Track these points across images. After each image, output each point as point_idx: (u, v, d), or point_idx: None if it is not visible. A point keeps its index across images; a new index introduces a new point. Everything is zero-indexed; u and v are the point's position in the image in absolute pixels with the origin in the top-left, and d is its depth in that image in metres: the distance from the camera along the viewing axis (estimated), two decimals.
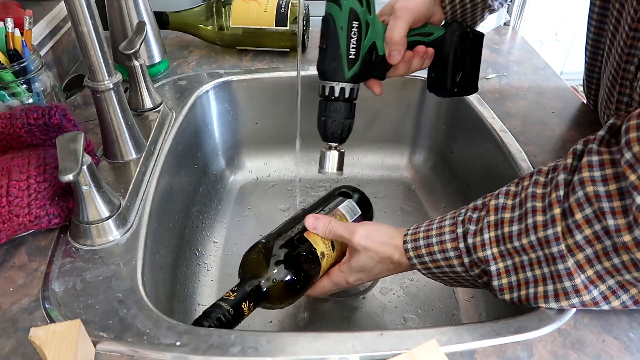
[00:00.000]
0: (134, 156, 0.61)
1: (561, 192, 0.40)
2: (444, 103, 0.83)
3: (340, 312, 0.67)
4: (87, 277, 0.48)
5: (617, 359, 0.41)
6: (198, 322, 0.46)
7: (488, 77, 0.83)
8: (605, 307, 0.41)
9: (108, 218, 0.51)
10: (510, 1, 0.62)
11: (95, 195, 0.50)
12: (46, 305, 0.45)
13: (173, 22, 0.87)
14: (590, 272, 0.40)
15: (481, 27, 0.77)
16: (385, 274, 0.54)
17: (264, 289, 0.51)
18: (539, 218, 0.41)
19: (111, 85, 0.54)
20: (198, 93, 0.78)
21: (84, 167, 0.47)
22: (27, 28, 0.61)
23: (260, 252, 0.54)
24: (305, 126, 0.65)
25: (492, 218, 0.45)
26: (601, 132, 0.40)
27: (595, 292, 0.41)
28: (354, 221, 0.61)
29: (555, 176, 0.42)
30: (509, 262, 0.44)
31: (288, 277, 0.52)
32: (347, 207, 0.61)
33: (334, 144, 0.58)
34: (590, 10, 0.61)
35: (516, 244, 0.42)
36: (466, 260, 0.46)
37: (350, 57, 0.53)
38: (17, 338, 0.42)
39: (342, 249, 0.58)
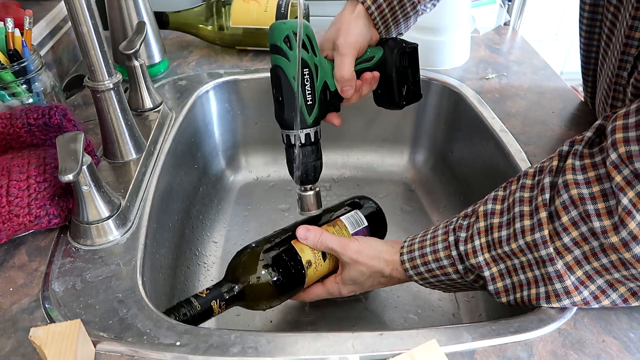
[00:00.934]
0: (134, 156, 0.61)
1: (547, 196, 0.41)
2: (444, 103, 0.83)
3: (340, 312, 0.67)
4: (87, 277, 0.48)
5: (617, 359, 0.41)
6: (166, 313, 0.48)
7: (488, 77, 0.83)
8: (596, 306, 0.42)
9: (108, 218, 0.51)
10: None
11: (95, 195, 0.50)
12: (46, 305, 0.45)
13: (173, 22, 0.87)
14: (579, 272, 0.40)
15: (481, 27, 0.77)
16: (377, 287, 0.56)
17: (237, 291, 0.52)
18: (526, 222, 0.41)
19: (111, 85, 0.54)
20: (198, 93, 0.78)
21: (84, 167, 0.47)
22: (27, 28, 0.61)
23: (244, 256, 0.55)
24: None
25: (481, 224, 0.45)
26: (588, 133, 0.41)
27: (585, 293, 0.41)
28: (357, 233, 0.60)
29: (541, 179, 0.42)
30: (502, 266, 0.44)
31: (263, 281, 0.53)
32: (352, 217, 0.61)
33: (308, 186, 0.59)
34: (580, 15, 0.62)
35: (506, 248, 0.43)
36: (460, 267, 0.46)
37: (308, 103, 0.55)
38: (17, 338, 0.42)
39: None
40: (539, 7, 1.87)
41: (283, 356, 0.41)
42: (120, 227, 0.52)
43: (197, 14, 0.87)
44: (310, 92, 0.55)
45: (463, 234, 0.46)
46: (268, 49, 0.88)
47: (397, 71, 0.58)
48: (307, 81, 0.54)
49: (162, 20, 0.86)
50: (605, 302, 0.41)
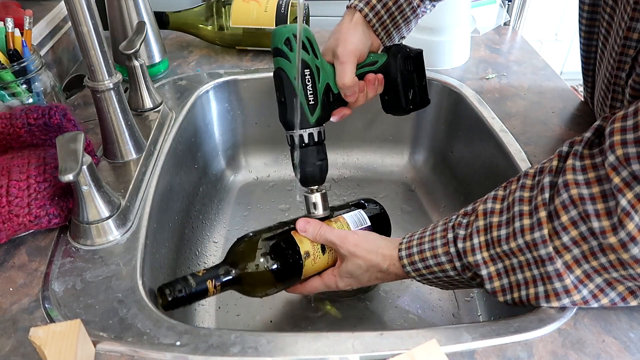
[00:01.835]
0: (134, 156, 0.61)
1: (546, 195, 0.41)
2: (444, 103, 0.83)
3: (340, 312, 0.67)
4: (87, 277, 0.48)
5: (617, 359, 0.41)
6: (161, 289, 0.49)
7: (488, 77, 0.83)
8: (595, 305, 0.42)
9: (108, 218, 0.51)
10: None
11: (95, 195, 0.50)
12: (46, 305, 0.45)
13: (173, 22, 0.87)
14: (578, 271, 0.40)
15: (481, 27, 0.77)
16: (374, 282, 0.55)
17: (234, 275, 0.53)
18: (526, 221, 0.42)
19: (111, 85, 0.54)
20: (198, 93, 0.78)
21: (84, 167, 0.47)
22: (27, 28, 0.61)
23: (244, 242, 0.56)
24: None
25: (481, 223, 0.45)
26: (587, 134, 0.41)
27: (584, 291, 0.41)
28: None
29: (541, 179, 0.42)
30: (500, 266, 0.44)
31: (260, 268, 0.53)
32: (355, 216, 0.61)
33: (314, 187, 0.59)
34: (580, 15, 0.62)
35: (505, 247, 0.43)
36: (458, 264, 0.46)
37: (310, 103, 0.56)
38: (17, 338, 0.42)
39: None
40: (539, 7, 1.87)
41: (283, 356, 0.41)
42: (120, 227, 0.52)
43: (197, 14, 0.87)
44: (312, 92, 0.55)
45: (462, 232, 0.46)
46: (268, 49, 0.88)
47: (402, 76, 0.58)
48: (308, 81, 0.55)
49: (162, 20, 0.86)
50: (604, 301, 0.41)
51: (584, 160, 0.40)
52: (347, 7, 0.60)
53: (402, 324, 0.66)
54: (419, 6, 0.59)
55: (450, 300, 0.69)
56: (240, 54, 0.89)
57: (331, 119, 0.59)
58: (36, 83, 0.62)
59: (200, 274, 0.51)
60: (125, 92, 0.62)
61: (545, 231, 0.40)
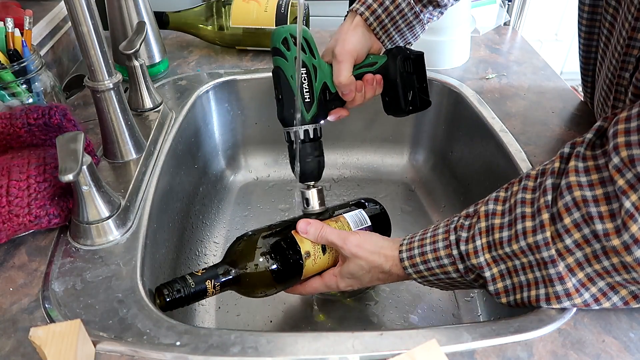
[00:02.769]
0: (134, 156, 0.61)
1: (549, 197, 0.41)
2: (444, 103, 0.83)
3: (341, 312, 0.67)
4: (87, 277, 0.48)
5: (617, 359, 0.41)
6: (159, 289, 0.49)
7: (488, 77, 0.83)
8: (596, 307, 0.42)
9: (108, 218, 0.51)
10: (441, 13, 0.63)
11: (95, 195, 0.50)
12: (46, 305, 0.45)
13: (173, 22, 0.87)
14: (581, 275, 0.40)
15: (481, 27, 0.77)
16: (375, 283, 0.55)
17: (234, 275, 0.53)
18: (528, 224, 0.41)
19: (111, 85, 0.54)
20: (198, 93, 0.78)
21: (84, 167, 0.47)
22: (27, 28, 0.61)
23: (243, 241, 0.56)
24: None
25: (483, 224, 0.45)
26: (589, 135, 0.41)
27: (586, 295, 0.41)
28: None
29: (543, 180, 0.42)
30: (503, 267, 0.44)
31: (260, 268, 0.53)
32: (355, 216, 0.61)
33: (311, 183, 0.60)
34: (580, 16, 0.62)
35: (507, 249, 0.43)
36: (460, 266, 0.46)
37: (306, 100, 0.57)
38: (17, 338, 0.42)
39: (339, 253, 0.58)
40: (539, 7, 1.87)
41: (283, 356, 0.41)
42: (120, 227, 0.52)
43: (197, 14, 0.87)
44: (308, 90, 0.57)
45: (464, 234, 0.46)
46: (268, 48, 0.88)
47: (401, 77, 0.58)
48: (304, 79, 0.57)
49: (162, 20, 0.86)
50: (606, 305, 0.41)
51: (587, 162, 0.39)
52: (348, 10, 0.60)
53: (402, 324, 0.66)
54: (421, 11, 0.59)
55: (450, 300, 0.69)
56: (240, 54, 0.89)
57: (328, 118, 0.60)
58: (36, 83, 0.62)
59: (199, 273, 0.51)
60: (125, 92, 0.62)
61: (548, 234, 0.40)
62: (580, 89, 0.75)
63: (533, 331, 0.43)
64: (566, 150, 0.42)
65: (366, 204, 0.65)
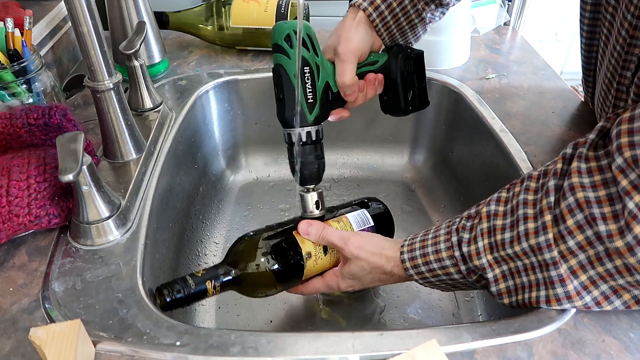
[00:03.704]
0: (134, 156, 0.61)
1: (552, 199, 0.40)
2: (444, 103, 0.83)
3: (341, 312, 0.67)
4: (87, 277, 0.48)
5: (617, 359, 0.41)
6: (159, 289, 0.48)
7: (488, 77, 0.83)
8: (597, 310, 0.42)
9: (108, 218, 0.51)
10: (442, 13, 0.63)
11: (95, 195, 0.50)
12: (46, 305, 0.45)
13: (173, 22, 0.87)
14: (583, 277, 0.40)
15: (481, 27, 0.77)
16: (377, 284, 0.55)
17: (234, 275, 0.52)
18: (531, 225, 0.41)
19: (111, 85, 0.54)
20: (198, 93, 0.78)
21: (84, 167, 0.47)
22: (27, 28, 0.61)
23: (244, 241, 0.55)
24: None
25: (484, 225, 0.45)
26: (591, 136, 0.41)
27: (587, 298, 0.41)
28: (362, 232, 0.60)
29: (545, 182, 0.42)
30: (505, 268, 0.44)
31: (261, 268, 0.53)
32: (357, 216, 0.61)
33: (311, 186, 0.58)
34: (581, 15, 0.61)
35: (509, 250, 0.43)
36: (463, 268, 0.46)
37: (309, 101, 0.55)
38: (17, 338, 0.42)
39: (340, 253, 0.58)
40: (539, 7, 1.87)
41: (283, 356, 0.41)
42: (120, 227, 0.52)
43: (197, 14, 0.87)
44: (311, 90, 0.55)
45: (466, 235, 0.46)
46: (268, 48, 0.88)
47: (402, 76, 0.58)
48: (307, 79, 0.54)
49: (162, 20, 0.86)
50: (608, 308, 0.41)
51: (590, 163, 0.39)
52: (351, 5, 0.59)
53: (402, 324, 0.66)
54: (424, 9, 0.59)
55: (450, 300, 0.69)
56: (240, 54, 0.89)
57: (329, 119, 0.59)
58: (36, 83, 0.62)
59: (200, 274, 0.51)
60: (125, 92, 0.62)
61: (550, 235, 0.40)
62: (580, 89, 0.75)
63: (533, 331, 0.43)
64: (569, 151, 0.42)
65: (369, 203, 0.65)
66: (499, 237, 0.44)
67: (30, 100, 0.62)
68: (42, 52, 0.75)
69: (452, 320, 0.67)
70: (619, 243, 0.36)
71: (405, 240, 0.52)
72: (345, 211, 0.62)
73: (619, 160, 0.36)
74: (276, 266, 0.54)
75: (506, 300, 0.45)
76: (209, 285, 0.50)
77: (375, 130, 0.90)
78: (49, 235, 0.52)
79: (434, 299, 0.69)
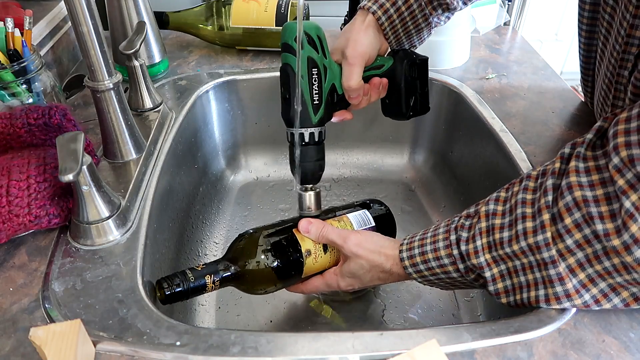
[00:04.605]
0: (134, 156, 0.61)
1: (550, 198, 0.41)
2: (444, 103, 0.83)
3: (340, 312, 0.67)
4: (87, 277, 0.48)
5: (617, 359, 0.41)
6: (159, 282, 0.49)
7: (488, 77, 0.83)
8: (596, 308, 0.42)
9: (108, 218, 0.51)
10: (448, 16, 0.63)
11: (95, 195, 0.50)
12: (46, 305, 0.45)
13: (173, 22, 0.87)
14: (582, 275, 0.40)
15: (481, 27, 0.77)
16: (376, 283, 0.55)
17: (234, 271, 0.53)
18: (529, 224, 0.41)
19: (111, 85, 0.54)
20: (198, 93, 0.78)
21: (84, 167, 0.47)
22: (27, 28, 0.61)
23: (245, 238, 0.56)
24: None
25: (483, 224, 0.45)
26: (589, 135, 0.41)
27: (587, 296, 0.41)
28: None
29: (544, 181, 0.42)
30: (503, 267, 0.44)
31: (261, 265, 0.53)
32: (359, 216, 0.61)
33: (309, 185, 0.59)
34: (580, 15, 0.62)
35: (507, 250, 0.43)
36: (461, 266, 0.46)
37: (314, 102, 0.55)
38: (17, 338, 0.42)
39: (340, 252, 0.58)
40: (539, 7, 1.87)
41: (283, 356, 0.41)
42: (120, 227, 0.52)
43: (197, 14, 0.87)
44: (317, 92, 0.55)
45: (465, 234, 0.46)
46: (268, 48, 0.88)
47: (405, 81, 0.58)
48: (315, 80, 0.55)
49: (162, 20, 0.86)
50: (607, 306, 0.41)
51: (587, 162, 0.39)
52: (360, 7, 0.59)
53: (402, 324, 0.66)
54: (431, 14, 0.59)
55: (450, 300, 0.69)
56: (240, 54, 0.89)
57: (332, 119, 0.59)
58: (36, 83, 0.62)
59: (200, 268, 0.51)
60: (125, 92, 0.62)
61: (549, 234, 0.40)
62: (580, 89, 0.75)
63: (533, 331, 0.43)
64: (567, 150, 0.42)
65: (371, 204, 0.65)
66: (497, 236, 0.44)
67: (30, 100, 0.62)
68: (42, 52, 0.75)
69: (452, 320, 0.67)
70: (615, 242, 0.37)
71: (405, 239, 0.52)
72: (346, 211, 0.62)
73: (616, 160, 0.37)
74: (276, 263, 0.54)
75: (504, 300, 0.45)
76: (208, 280, 0.50)
77: (375, 130, 0.90)
78: (49, 235, 0.52)
79: (434, 299, 0.69)
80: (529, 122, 0.72)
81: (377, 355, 0.41)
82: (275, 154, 0.91)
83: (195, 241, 0.74)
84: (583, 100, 0.76)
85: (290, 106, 0.55)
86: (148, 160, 0.62)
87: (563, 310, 0.44)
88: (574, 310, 0.44)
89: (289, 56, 0.54)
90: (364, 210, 0.63)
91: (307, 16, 0.88)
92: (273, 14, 0.84)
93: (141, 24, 0.70)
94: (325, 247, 0.57)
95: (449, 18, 0.62)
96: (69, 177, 0.44)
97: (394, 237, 0.65)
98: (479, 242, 0.45)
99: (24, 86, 0.61)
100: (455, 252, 0.46)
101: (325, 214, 0.61)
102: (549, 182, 0.41)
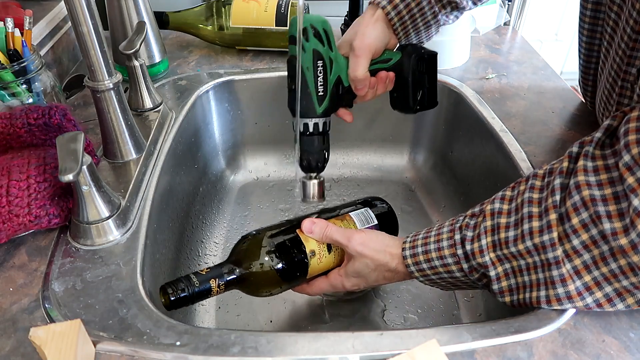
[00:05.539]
0: (134, 156, 0.61)
1: (557, 197, 0.40)
2: (444, 103, 0.83)
3: (341, 312, 0.67)
4: (87, 277, 0.48)
5: (617, 359, 0.41)
6: (163, 288, 0.48)
7: (488, 77, 0.83)
8: (598, 310, 0.42)
9: (108, 218, 0.51)
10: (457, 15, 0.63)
11: (95, 195, 0.50)
12: (46, 305, 0.45)
13: (173, 22, 0.87)
14: (587, 278, 0.40)
15: (481, 27, 0.77)
16: (381, 282, 0.55)
17: (238, 274, 0.52)
18: (535, 224, 0.41)
19: (111, 85, 0.54)
20: (198, 93, 0.78)
21: (84, 167, 0.47)
22: (27, 28, 0.61)
23: (248, 240, 0.55)
24: None
25: (488, 223, 0.45)
26: (598, 134, 0.40)
27: (589, 299, 0.41)
28: None
29: (551, 180, 0.42)
30: (507, 266, 0.44)
31: (265, 267, 0.53)
32: (361, 214, 0.61)
33: (313, 174, 0.61)
34: (582, 14, 0.61)
35: (513, 249, 0.43)
36: (465, 266, 0.46)
37: (319, 94, 0.57)
38: (17, 338, 0.42)
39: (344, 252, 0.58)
40: (539, 7, 1.87)
41: (283, 356, 0.41)
42: (120, 227, 0.52)
43: (197, 14, 0.87)
44: (322, 83, 0.56)
45: (470, 233, 0.46)
46: (268, 48, 0.88)
47: (413, 76, 0.58)
48: (320, 72, 0.56)
49: (162, 20, 0.86)
50: (609, 309, 0.41)
51: (596, 161, 0.39)
52: (370, 2, 0.60)
53: (402, 324, 0.66)
54: (440, 11, 0.59)
55: (450, 300, 0.69)
56: (240, 54, 0.89)
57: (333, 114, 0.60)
58: (36, 83, 0.62)
59: (204, 272, 0.50)
60: (125, 92, 0.62)
61: (555, 234, 0.40)
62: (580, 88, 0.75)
63: (533, 331, 0.43)
64: (575, 149, 0.42)
65: (373, 202, 0.65)
66: (502, 235, 0.43)
67: (30, 100, 0.62)
68: (42, 52, 0.75)
69: (452, 320, 0.67)
70: (623, 241, 0.36)
71: (407, 238, 0.52)
72: (348, 210, 0.62)
73: (627, 158, 0.36)
74: (280, 265, 0.54)
75: (507, 299, 0.45)
76: (213, 284, 0.50)
77: (375, 130, 0.90)
78: (49, 235, 0.52)
79: (434, 299, 0.69)
80: (529, 122, 0.72)
81: (377, 355, 0.41)
82: (275, 154, 0.91)
83: (195, 241, 0.74)
84: (583, 100, 0.76)
85: (296, 97, 0.57)
86: (148, 160, 0.62)
87: (563, 310, 0.44)
88: (574, 310, 0.44)
89: (295, 48, 0.55)
90: (366, 208, 0.63)
91: None
92: (273, 14, 0.84)
93: (141, 24, 0.70)
94: (329, 247, 0.57)
95: (457, 17, 0.62)
96: (69, 177, 0.44)
97: (397, 235, 0.65)
98: (484, 241, 0.44)
99: (24, 86, 0.61)
100: (459, 251, 0.46)
101: (328, 213, 0.61)
102: (557, 181, 0.41)
